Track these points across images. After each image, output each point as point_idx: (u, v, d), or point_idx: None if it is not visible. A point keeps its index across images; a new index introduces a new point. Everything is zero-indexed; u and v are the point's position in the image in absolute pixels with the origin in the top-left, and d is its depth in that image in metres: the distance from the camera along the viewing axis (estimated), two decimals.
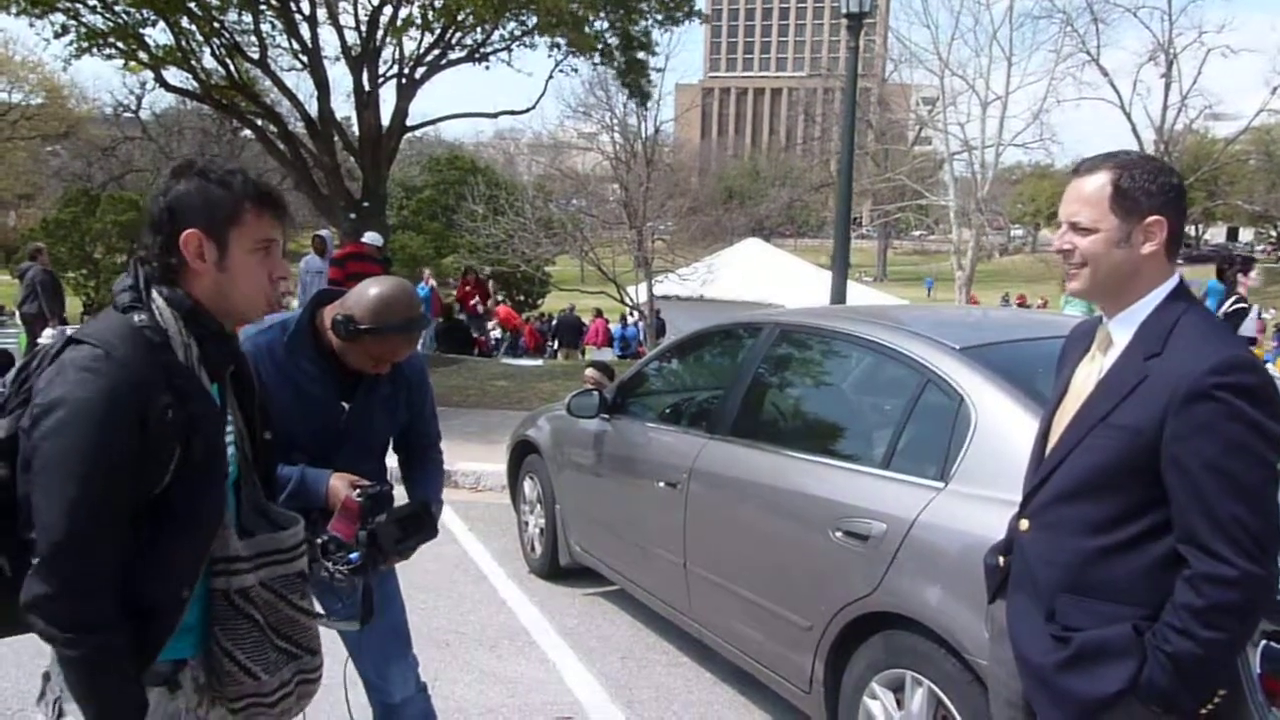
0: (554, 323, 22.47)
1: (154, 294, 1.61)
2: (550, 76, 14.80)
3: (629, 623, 4.52)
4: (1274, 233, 52.93)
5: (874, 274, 50.48)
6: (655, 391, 4.72)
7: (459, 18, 12.49)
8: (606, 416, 4.51)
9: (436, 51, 13.49)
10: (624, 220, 19.53)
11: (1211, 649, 1.64)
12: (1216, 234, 65.69)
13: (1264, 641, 1.97)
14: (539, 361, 16.31)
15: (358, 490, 2.21)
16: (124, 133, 26.67)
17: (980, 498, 2.60)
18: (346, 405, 2.43)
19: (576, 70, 15.53)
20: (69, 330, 1.54)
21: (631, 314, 21.02)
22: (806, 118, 53.78)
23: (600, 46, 13.62)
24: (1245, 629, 1.69)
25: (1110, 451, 1.74)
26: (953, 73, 25.81)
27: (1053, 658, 1.78)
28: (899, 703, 2.76)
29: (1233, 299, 6.66)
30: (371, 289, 2.32)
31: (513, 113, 16.84)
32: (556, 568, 4.99)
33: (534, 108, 22.88)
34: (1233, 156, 36.14)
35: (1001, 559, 2.02)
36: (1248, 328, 6.62)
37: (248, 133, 17.34)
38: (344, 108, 14.79)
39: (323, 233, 11.91)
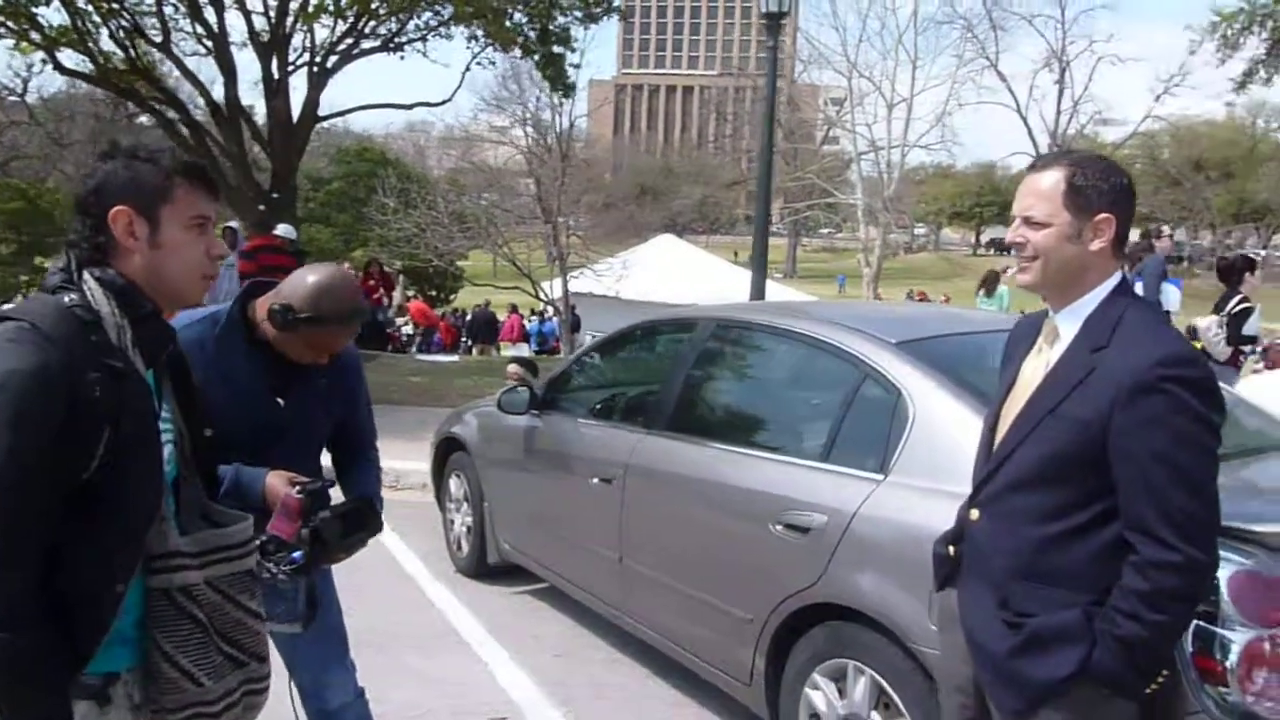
0: (468, 319, 22.19)
1: (85, 275, 1.55)
2: (467, 68, 14.58)
3: (561, 620, 4.48)
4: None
5: (784, 271, 51.24)
6: (587, 387, 4.68)
7: (373, 5, 12.21)
8: (537, 413, 4.46)
9: (349, 40, 13.15)
10: (538, 215, 19.42)
11: (1157, 632, 1.70)
12: None
13: (1194, 621, 2.05)
14: (454, 358, 16.10)
15: (297, 487, 2.13)
16: (9, 117, 25.20)
17: (919, 489, 2.64)
18: (282, 401, 2.34)
19: (494, 64, 15.35)
20: None
21: (546, 309, 20.91)
22: (719, 116, 54.43)
23: (521, 40, 13.46)
24: (1190, 612, 1.76)
25: (1060, 443, 1.79)
26: (860, 74, 26.50)
27: (1006, 644, 1.82)
28: (841, 692, 2.79)
29: (1237, 299, 6.42)
30: (310, 276, 2.25)
31: (428, 104, 16.51)
32: (484, 566, 4.91)
33: (450, 100, 22.55)
34: (1120, 160, 37.74)
35: (951, 548, 2.06)
36: (1252, 326, 6.37)
37: (145, 119, 16.61)
38: (251, 95, 14.31)
39: (232, 224, 11.51)
